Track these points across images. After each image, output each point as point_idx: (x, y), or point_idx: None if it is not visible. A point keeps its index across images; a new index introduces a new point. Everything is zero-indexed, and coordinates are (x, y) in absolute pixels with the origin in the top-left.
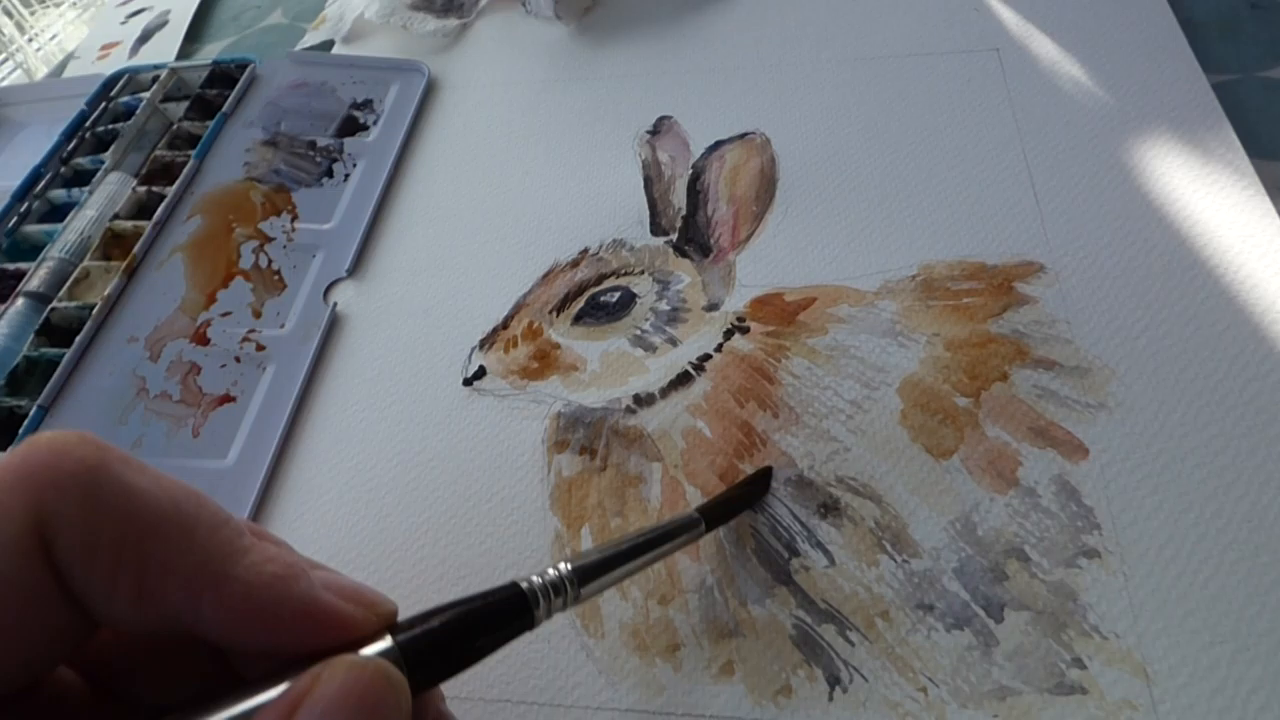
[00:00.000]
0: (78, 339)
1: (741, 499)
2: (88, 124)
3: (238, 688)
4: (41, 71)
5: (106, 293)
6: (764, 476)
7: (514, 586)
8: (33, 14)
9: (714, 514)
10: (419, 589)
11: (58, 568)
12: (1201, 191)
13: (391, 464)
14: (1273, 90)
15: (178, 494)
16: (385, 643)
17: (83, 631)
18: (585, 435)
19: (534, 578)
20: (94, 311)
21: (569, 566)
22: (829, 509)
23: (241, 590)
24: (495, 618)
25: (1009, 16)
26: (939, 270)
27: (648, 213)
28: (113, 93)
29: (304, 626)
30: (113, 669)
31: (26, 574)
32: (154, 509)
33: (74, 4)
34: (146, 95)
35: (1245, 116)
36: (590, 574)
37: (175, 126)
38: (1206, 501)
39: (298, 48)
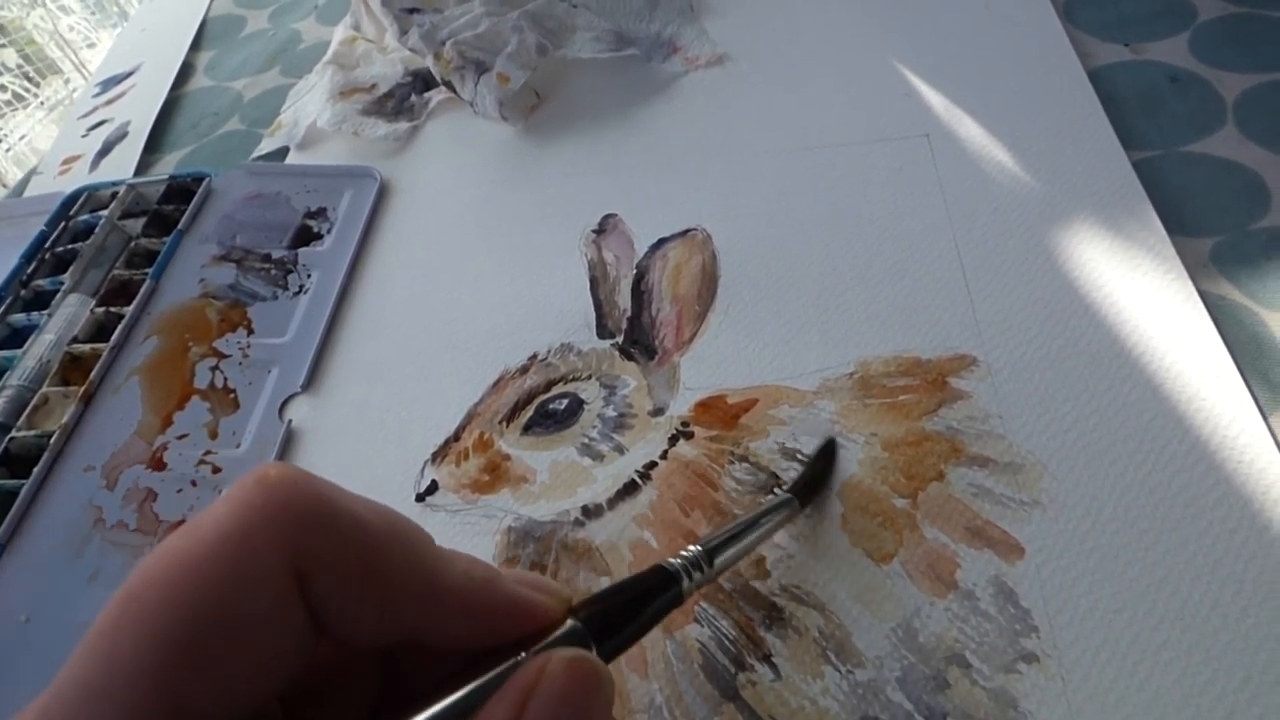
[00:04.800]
0: (35, 471)
1: (821, 475)
2: (48, 245)
3: (443, 688)
4: (12, 173)
5: (64, 421)
6: (830, 447)
7: (661, 569)
8: (1, 117)
9: (803, 493)
10: None
11: (311, 601)
12: (1125, 276)
13: None
14: (1193, 165)
15: (386, 514)
16: (569, 624)
17: (310, 654)
18: (535, 550)
19: (673, 560)
20: (51, 441)
21: (699, 547)
22: (774, 619)
23: (462, 597)
24: (651, 594)
25: (938, 101)
26: (875, 367)
27: (594, 315)
28: (72, 211)
29: (512, 619)
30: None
31: (286, 613)
32: (378, 532)
33: (42, 104)
34: (105, 213)
35: (1168, 193)
36: (717, 550)
37: (133, 243)
38: (1139, 600)
39: (254, 155)
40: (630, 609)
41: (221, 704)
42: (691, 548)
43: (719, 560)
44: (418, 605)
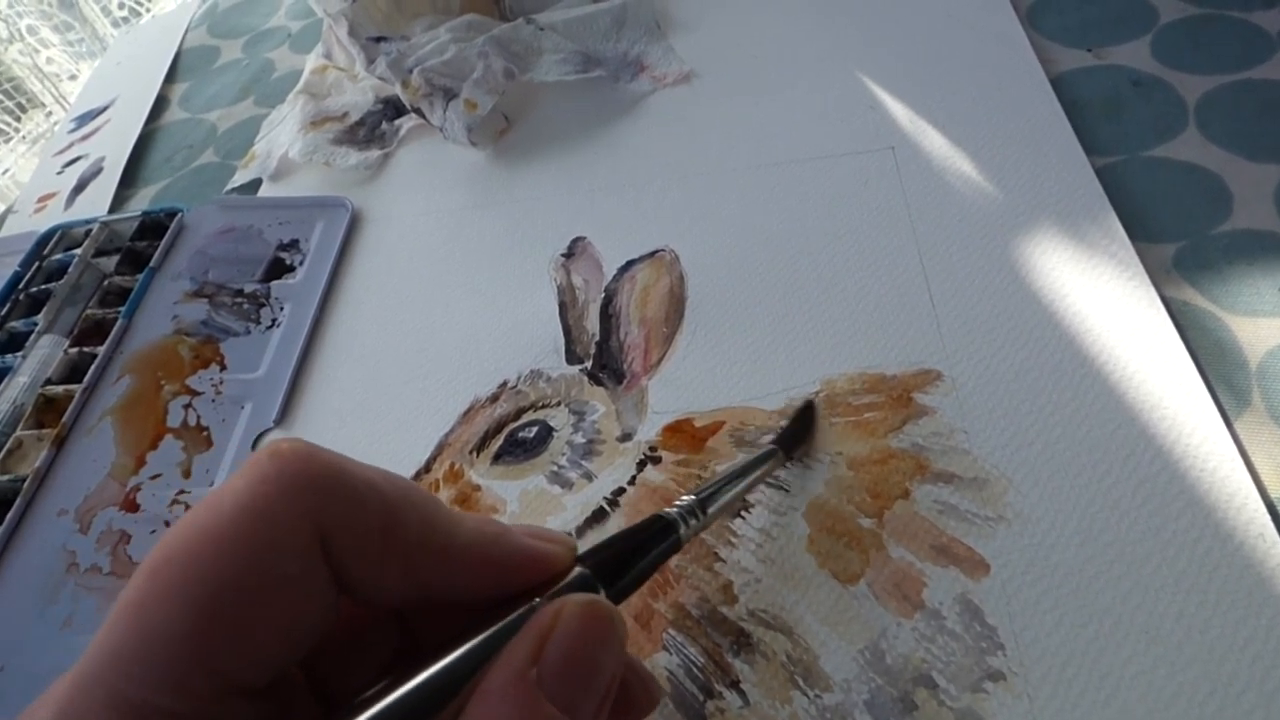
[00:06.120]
0: (8, 516)
1: (804, 428)
2: (21, 285)
3: (462, 636)
4: None
5: (36, 465)
6: (810, 408)
7: (659, 517)
8: None
9: (787, 444)
10: None
11: (335, 564)
12: (1088, 285)
13: None
14: (1155, 170)
15: (399, 482)
16: (577, 571)
17: (334, 615)
18: None
19: (669, 509)
20: (24, 485)
21: (693, 496)
22: (742, 645)
23: (476, 552)
24: (653, 540)
25: (902, 113)
26: (840, 385)
27: (564, 340)
28: (46, 250)
29: (524, 569)
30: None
31: (311, 576)
32: (393, 496)
33: (24, 138)
34: (79, 252)
35: (1131, 198)
36: (709, 499)
37: (107, 282)
38: (1104, 614)
39: (228, 187)
40: (633, 555)
41: (254, 665)
42: (685, 497)
43: (711, 509)
44: (435, 562)
